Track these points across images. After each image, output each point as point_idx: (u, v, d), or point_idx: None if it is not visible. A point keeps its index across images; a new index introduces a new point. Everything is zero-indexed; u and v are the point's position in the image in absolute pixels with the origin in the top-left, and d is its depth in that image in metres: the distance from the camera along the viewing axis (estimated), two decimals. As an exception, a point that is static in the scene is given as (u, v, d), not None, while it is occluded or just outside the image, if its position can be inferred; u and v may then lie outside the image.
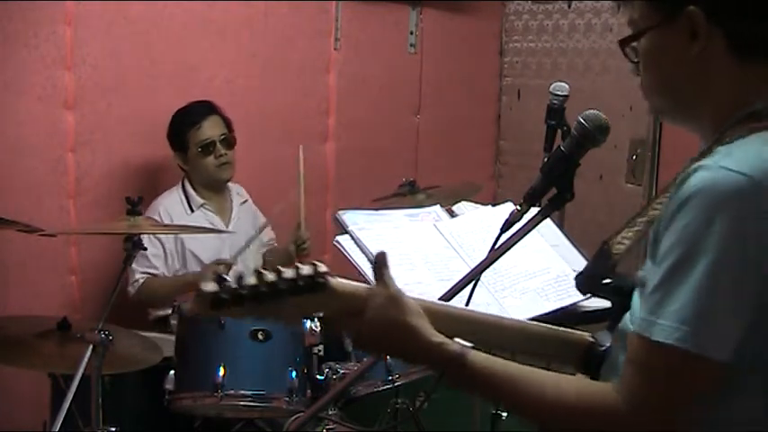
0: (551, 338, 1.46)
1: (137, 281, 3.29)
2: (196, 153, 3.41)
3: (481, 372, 1.27)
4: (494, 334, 1.41)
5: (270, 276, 1.22)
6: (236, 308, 1.21)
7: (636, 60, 1.35)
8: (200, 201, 3.48)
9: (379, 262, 1.29)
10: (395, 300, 1.28)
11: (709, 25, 1.25)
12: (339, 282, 1.27)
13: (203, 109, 3.46)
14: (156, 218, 3.32)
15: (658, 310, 1.17)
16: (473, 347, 1.28)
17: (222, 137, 3.44)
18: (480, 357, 1.28)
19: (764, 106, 1.25)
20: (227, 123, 3.50)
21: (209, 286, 1.20)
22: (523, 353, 1.46)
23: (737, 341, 1.17)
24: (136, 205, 2.55)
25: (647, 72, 1.34)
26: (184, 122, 3.42)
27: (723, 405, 1.21)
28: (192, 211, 3.46)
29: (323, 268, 1.24)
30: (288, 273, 1.22)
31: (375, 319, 1.27)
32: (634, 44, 1.34)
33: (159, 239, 3.35)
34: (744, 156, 1.18)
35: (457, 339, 1.28)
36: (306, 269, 1.23)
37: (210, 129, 3.42)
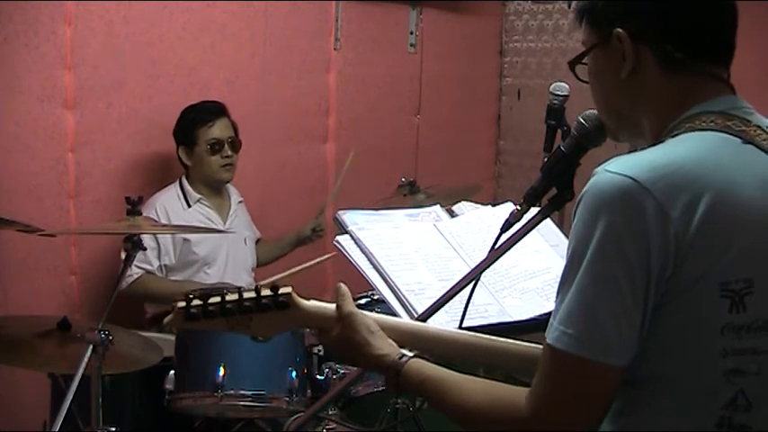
0: (512, 353, 1.46)
1: (131, 276, 3.27)
2: (204, 150, 3.44)
3: (413, 380, 1.39)
4: (441, 347, 1.49)
5: (233, 296, 1.41)
6: (207, 321, 1.40)
7: (585, 80, 1.40)
8: (198, 196, 3.50)
9: (339, 293, 1.48)
10: (348, 320, 1.45)
11: (636, 45, 1.29)
12: (307, 303, 1.46)
13: (216, 109, 3.50)
14: (153, 215, 3.31)
15: (556, 312, 1.20)
16: (419, 357, 1.42)
17: (230, 139, 3.49)
18: (416, 366, 1.40)
19: (702, 110, 1.28)
20: (235, 128, 3.55)
21: (182, 303, 1.40)
22: (487, 367, 1.50)
23: (629, 344, 1.16)
24: (136, 205, 2.54)
25: (593, 90, 1.40)
26: (197, 119, 3.45)
27: (632, 420, 1.22)
28: (189, 206, 3.47)
29: (285, 290, 1.43)
30: (249, 293, 1.41)
31: (335, 337, 1.47)
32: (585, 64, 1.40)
33: (155, 235, 3.35)
34: (635, 159, 1.21)
35: (403, 350, 1.43)
36: (266, 290, 1.42)
37: (221, 129, 3.47)
